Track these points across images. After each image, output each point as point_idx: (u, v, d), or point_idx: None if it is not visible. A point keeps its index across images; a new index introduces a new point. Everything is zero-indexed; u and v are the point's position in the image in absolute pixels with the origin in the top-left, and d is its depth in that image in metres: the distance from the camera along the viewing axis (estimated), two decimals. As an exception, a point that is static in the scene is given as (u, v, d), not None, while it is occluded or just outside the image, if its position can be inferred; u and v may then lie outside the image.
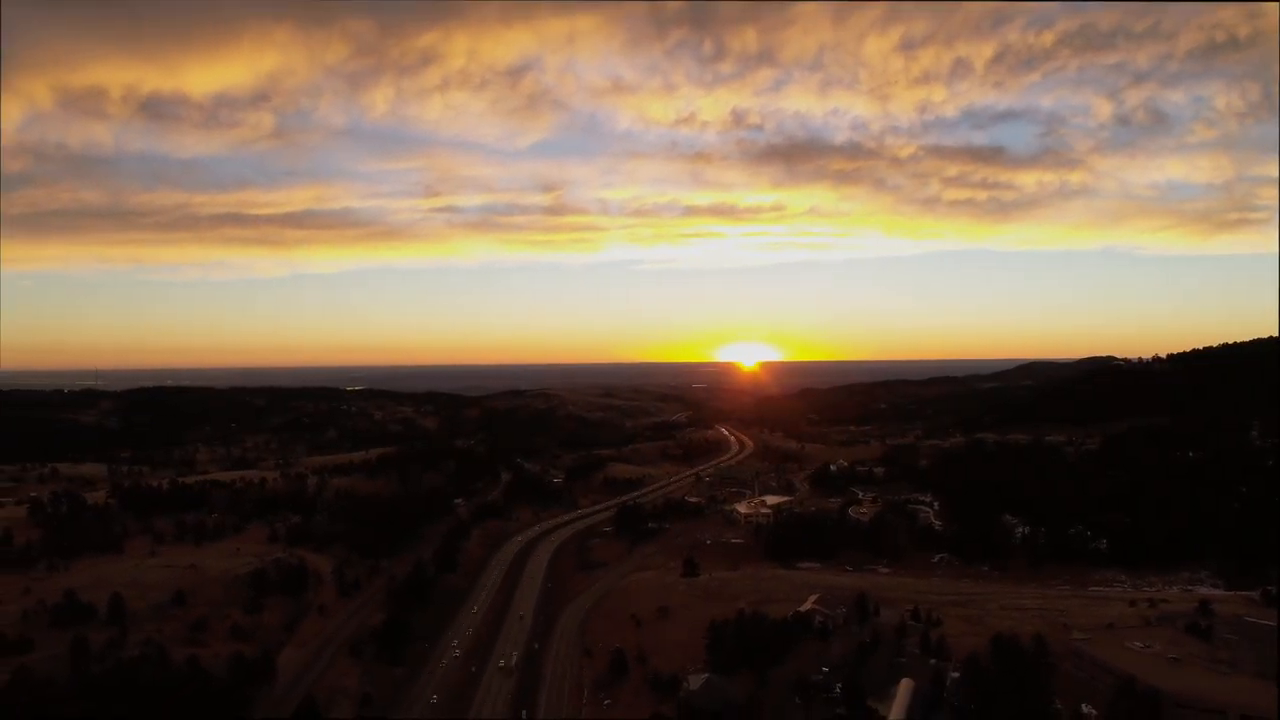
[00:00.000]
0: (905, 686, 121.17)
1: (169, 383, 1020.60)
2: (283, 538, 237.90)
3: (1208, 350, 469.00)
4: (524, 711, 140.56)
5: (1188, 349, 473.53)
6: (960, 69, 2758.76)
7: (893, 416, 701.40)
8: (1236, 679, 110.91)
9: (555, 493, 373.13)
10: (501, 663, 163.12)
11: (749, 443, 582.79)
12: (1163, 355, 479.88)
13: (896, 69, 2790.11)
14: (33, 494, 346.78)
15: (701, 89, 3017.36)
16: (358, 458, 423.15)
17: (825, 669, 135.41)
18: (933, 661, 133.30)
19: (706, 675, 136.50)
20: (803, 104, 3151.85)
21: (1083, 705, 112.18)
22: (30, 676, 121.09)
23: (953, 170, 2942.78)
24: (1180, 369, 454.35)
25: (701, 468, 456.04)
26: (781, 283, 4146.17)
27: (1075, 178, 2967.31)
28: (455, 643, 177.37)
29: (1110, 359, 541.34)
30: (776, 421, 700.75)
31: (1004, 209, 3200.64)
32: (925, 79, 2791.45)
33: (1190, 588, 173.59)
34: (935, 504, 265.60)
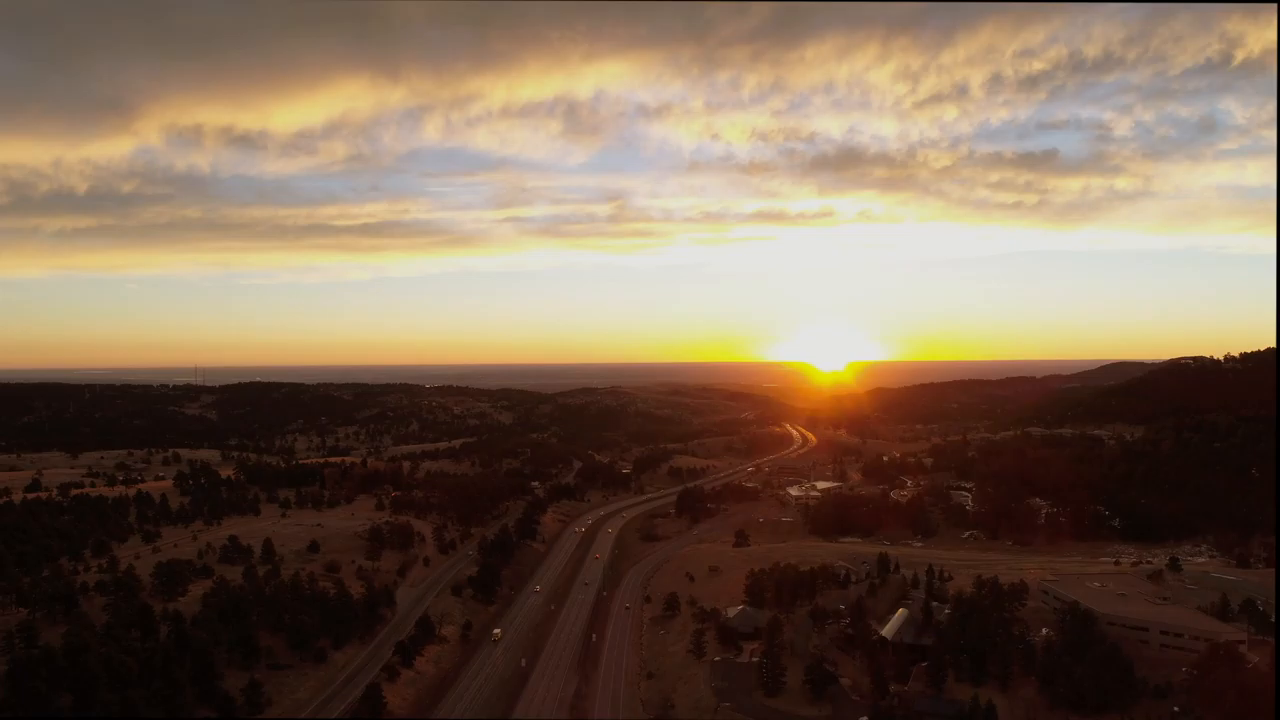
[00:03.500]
0: (900, 614, 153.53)
1: (258, 379, 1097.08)
2: (388, 506, 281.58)
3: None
4: (593, 634, 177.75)
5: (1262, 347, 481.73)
6: (962, 92, 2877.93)
7: (961, 415, 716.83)
8: (1168, 608, 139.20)
9: (623, 480, 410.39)
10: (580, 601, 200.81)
11: (813, 439, 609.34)
12: (1235, 354, 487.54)
13: (902, 92, 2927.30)
14: (159, 474, 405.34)
15: (722, 114, 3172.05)
16: (442, 446, 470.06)
17: (842, 606, 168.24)
18: (934, 603, 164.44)
19: (742, 607, 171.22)
20: (820, 124, 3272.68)
21: (1044, 629, 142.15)
22: (227, 586, 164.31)
23: (994, 176, 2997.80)
24: (1251, 367, 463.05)
25: (763, 460, 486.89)
26: (846, 283, 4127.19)
27: (1122, 183, 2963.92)
28: (537, 588, 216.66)
29: (1185, 358, 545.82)
30: (845, 420, 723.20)
31: (1063, 211, 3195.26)
32: (936, 99, 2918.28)
33: (1189, 557, 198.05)
34: (972, 489, 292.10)
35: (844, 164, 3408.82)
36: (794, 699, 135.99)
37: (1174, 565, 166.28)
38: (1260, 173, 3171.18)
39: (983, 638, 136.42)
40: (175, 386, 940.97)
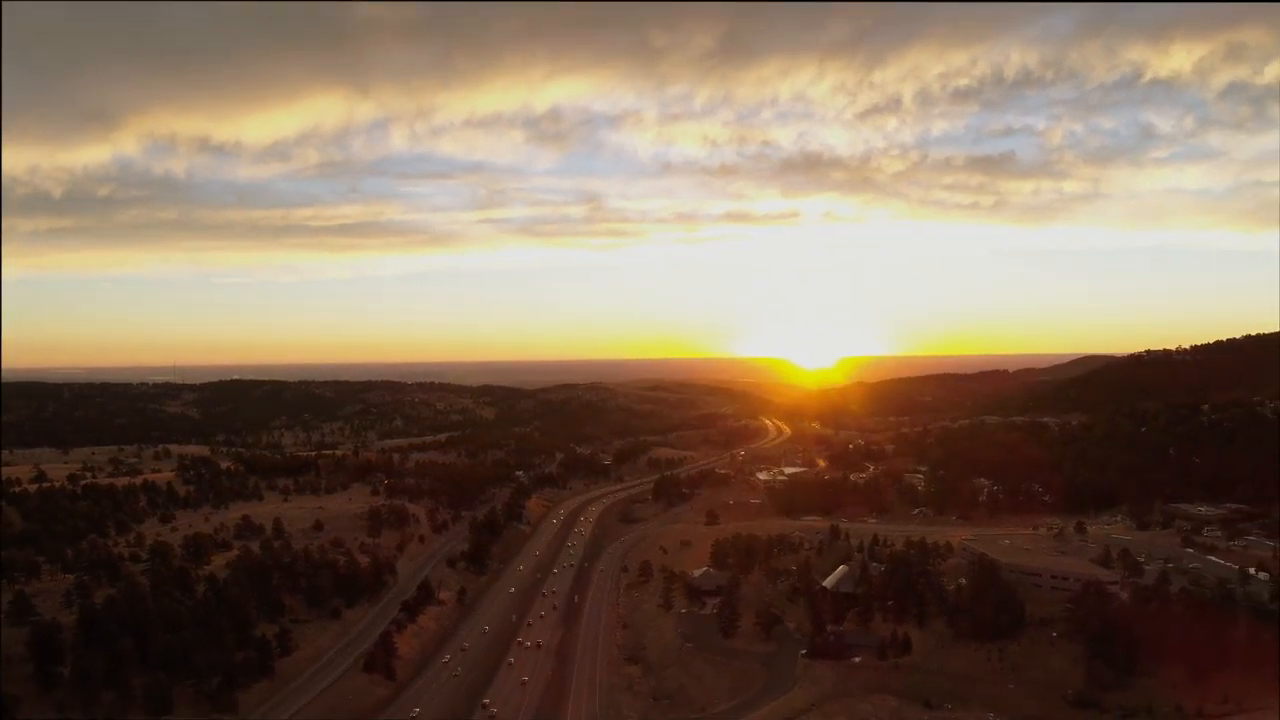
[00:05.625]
0: (840, 569, 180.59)
1: (237, 377, 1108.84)
2: (382, 492, 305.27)
3: (1230, 341, 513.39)
4: (576, 596, 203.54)
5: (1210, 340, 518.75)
6: (896, 104, 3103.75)
7: (935, 407, 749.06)
8: (1062, 559, 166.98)
9: (604, 470, 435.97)
10: (556, 570, 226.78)
11: (788, 430, 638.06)
12: (1186, 347, 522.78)
13: (842, 104, 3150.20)
14: (155, 468, 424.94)
15: (676, 125, 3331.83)
16: (429, 440, 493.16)
17: (793, 567, 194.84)
18: (872, 563, 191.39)
19: (706, 568, 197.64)
20: (770, 134, 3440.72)
21: (960, 579, 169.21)
22: (251, 555, 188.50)
23: (948, 179, 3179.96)
24: (1201, 359, 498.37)
25: (738, 450, 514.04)
26: (822, 281, 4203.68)
27: (1070, 186, 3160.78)
28: (525, 561, 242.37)
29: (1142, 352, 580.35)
30: (822, 413, 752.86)
31: (1024, 212, 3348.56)
32: (875, 110, 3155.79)
33: (1104, 524, 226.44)
34: (925, 471, 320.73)
35: (804, 168, 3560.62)
36: (747, 639, 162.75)
37: (1080, 529, 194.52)
38: (1199, 176, 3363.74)
39: (906, 586, 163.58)
40: (155, 385, 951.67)
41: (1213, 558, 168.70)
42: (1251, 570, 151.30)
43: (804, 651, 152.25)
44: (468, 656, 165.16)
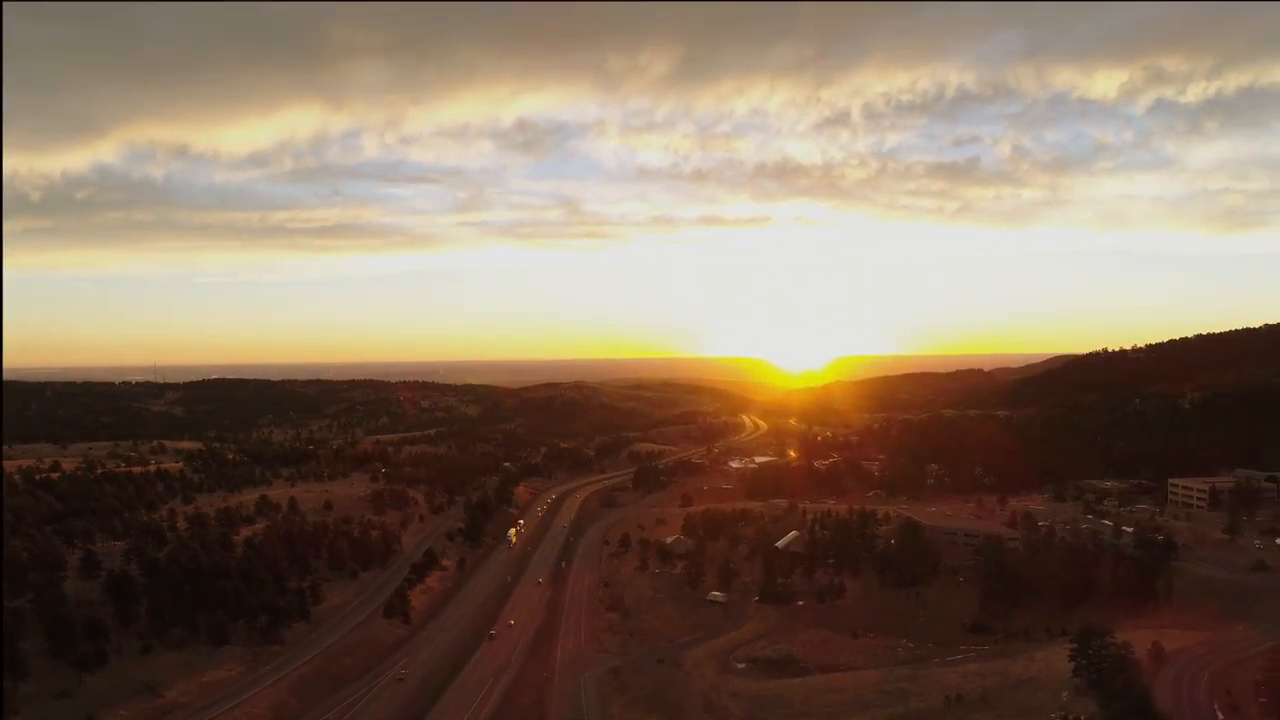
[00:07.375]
0: (791, 534, 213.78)
1: (215, 376, 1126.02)
2: (381, 479, 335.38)
3: (1183, 340, 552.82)
4: (563, 563, 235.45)
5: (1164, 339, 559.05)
6: (845, 117, 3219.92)
7: (909, 404, 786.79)
8: (977, 521, 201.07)
9: (587, 462, 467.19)
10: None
11: (764, 426, 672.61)
12: (1141, 345, 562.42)
13: (795, 117, 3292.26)
14: (159, 460, 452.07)
15: (640, 135, 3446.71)
16: (418, 435, 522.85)
17: (753, 534, 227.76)
18: (820, 531, 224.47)
19: (677, 536, 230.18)
20: (731, 145, 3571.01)
21: (891, 539, 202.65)
22: (277, 526, 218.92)
23: (910, 185, 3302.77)
24: (1152, 356, 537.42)
25: (715, 444, 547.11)
26: (803, 283, 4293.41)
27: (1029, 193, 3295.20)
28: (516, 535, 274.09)
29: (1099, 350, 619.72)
30: (799, 410, 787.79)
31: (993, 217, 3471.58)
32: (828, 122, 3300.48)
33: (1030, 500, 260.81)
34: (883, 459, 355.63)
35: (772, 174, 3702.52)
36: (709, 590, 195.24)
37: (1002, 501, 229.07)
38: (1153, 184, 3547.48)
39: (845, 545, 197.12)
40: (137, 384, 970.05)
41: (1105, 521, 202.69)
42: (1126, 528, 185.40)
43: (756, 598, 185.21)
44: (471, 607, 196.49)
